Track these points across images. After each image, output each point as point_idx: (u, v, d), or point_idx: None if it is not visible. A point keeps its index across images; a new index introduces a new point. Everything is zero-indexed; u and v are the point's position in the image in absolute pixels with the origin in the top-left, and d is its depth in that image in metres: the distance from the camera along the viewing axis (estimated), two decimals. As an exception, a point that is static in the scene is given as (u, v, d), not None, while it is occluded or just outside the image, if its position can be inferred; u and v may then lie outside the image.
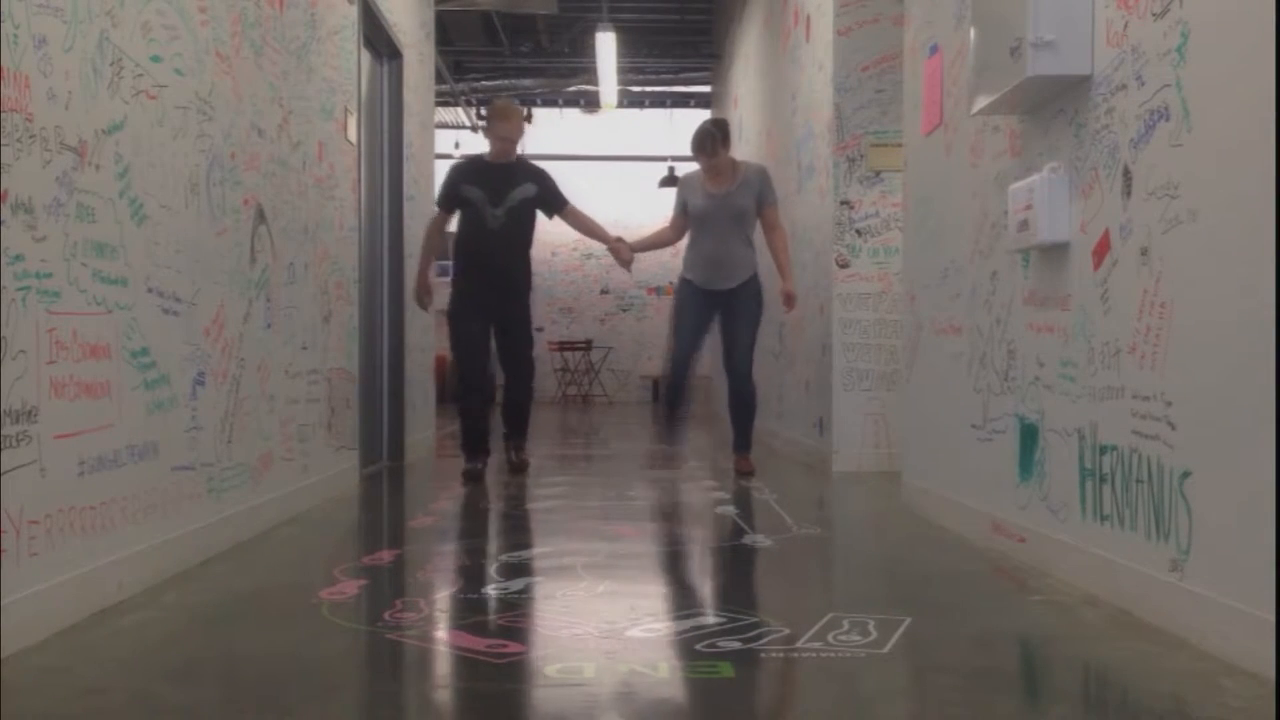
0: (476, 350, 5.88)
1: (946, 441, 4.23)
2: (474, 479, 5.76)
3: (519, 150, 6.06)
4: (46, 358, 2.53)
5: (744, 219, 5.93)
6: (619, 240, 6.09)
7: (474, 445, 5.89)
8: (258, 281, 4.04)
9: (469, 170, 6.00)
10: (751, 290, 5.95)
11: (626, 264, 6.13)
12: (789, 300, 6.02)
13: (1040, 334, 3.36)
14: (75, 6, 2.69)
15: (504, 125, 5.92)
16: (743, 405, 5.99)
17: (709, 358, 10.45)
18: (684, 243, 6.14)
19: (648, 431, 10.03)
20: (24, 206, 2.43)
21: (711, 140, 5.85)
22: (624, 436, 9.06)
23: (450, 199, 5.94)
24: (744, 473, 5.92)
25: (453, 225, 6.06)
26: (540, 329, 17.78)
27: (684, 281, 6.08)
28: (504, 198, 5.84)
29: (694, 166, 6.04)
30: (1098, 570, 2.92)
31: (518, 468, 6.12)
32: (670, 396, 6.13)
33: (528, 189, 5.91)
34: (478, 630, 2.67)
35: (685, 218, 6.03)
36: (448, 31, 11.84)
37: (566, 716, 2.11)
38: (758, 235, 6.02)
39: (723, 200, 5.89)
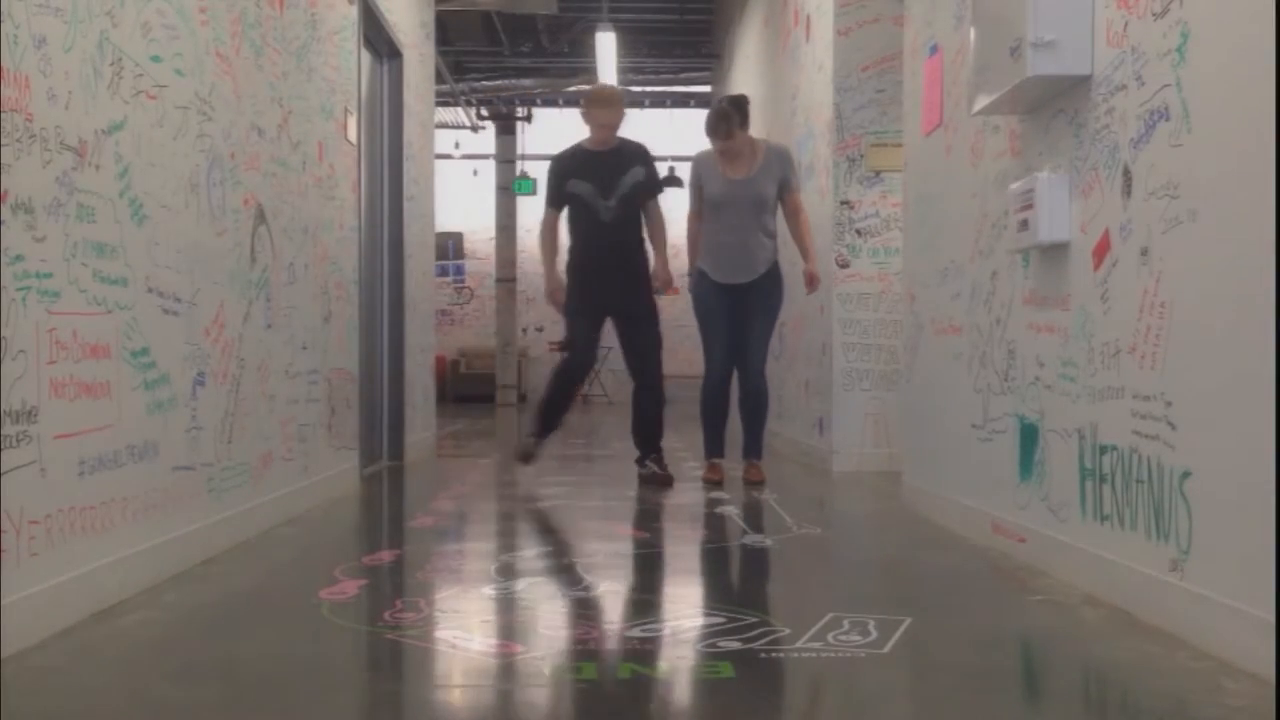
0: (589, 343, 5.73)
1: (946, 441, 4.23)
2: (528, 458, 5.81)
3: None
4: (46, 358, 2.53)
5: (765, 207, 5.49)
6: (665, 268, 5.67)
7: (549, 417, 5.84)
8: (258, 282, 4.04)
9: (573, 163, 5.63)
10: (772, 280, 5.55)
11: (667, 289, 5.71)
12: (812, 281, 5.53)
13: (1040, 334, 3.36)
14: (75, 6, 2.69)
15: (604, 112, 5.57)
16: (754, 405, 5.63)
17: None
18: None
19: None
20: (24, 206, 2.43)
21: (727, 121, 5.37)
22: (624, 436, 9.03)
23: (560, 196, 5.63)
24: (754, 481, 5.55)
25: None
26: (540, 329, 17.80)
27: (700, 276, 5.61)
28: (614, 187, 5.55)
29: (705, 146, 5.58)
30: (1098, 570, 2.92)
31: (663, 481, 5.57)
32: (711, 414, 5.65)
33: (636, 173, 5.59)
34: (478, 630, 2.67)
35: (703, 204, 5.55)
36: (448, 31, 11.84)
37: (566, 717, 2.11)
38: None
39: (743, 187, 5.44)
